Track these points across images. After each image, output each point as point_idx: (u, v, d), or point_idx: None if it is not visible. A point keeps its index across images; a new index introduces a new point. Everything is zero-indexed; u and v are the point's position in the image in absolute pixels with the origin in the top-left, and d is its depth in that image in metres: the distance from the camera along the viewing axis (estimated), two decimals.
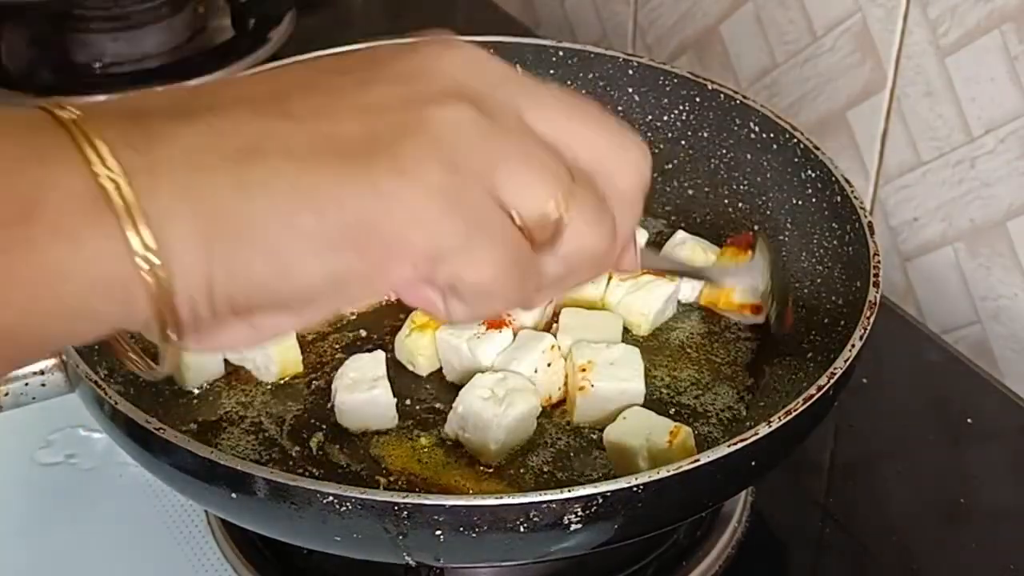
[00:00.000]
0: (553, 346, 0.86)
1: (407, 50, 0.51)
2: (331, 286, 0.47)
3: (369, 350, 0.88)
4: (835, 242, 0.92)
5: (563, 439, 0.84)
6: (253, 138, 0.46)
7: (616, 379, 0.84)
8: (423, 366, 0.88)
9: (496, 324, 0.86)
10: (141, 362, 0.51)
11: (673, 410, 0.86)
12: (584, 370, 0.84)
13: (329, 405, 0.85)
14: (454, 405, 0.83)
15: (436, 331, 0.87)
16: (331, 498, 0.66)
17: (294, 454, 0.82)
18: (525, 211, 0.49)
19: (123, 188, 0.43)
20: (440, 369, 0.89)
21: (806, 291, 0.94)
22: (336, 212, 0.45)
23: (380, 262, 0.47)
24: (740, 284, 0.90)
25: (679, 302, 0.95)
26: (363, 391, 0.83)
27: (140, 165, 0.44)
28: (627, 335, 0.91)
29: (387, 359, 0.86)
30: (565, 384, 0.86)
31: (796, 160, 0.96)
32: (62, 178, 0.43)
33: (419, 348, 0.87)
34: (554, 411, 0.86)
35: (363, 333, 0.92)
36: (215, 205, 0.44)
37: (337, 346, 0.91)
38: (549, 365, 0.86)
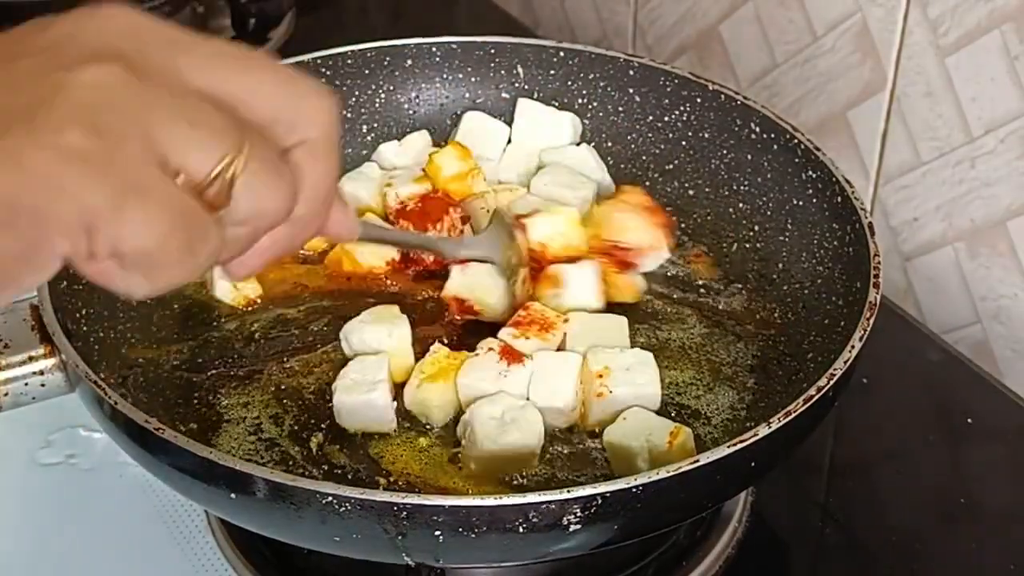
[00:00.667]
0: (583, 360, 0.86)
1: (57, 20, 0.49)
2: None
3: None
4: (835, 243, 0.92)
5: (563, 440, 0.84)
6: None
7: (633, 384, 0.83)
8: (437, 417, 0.84)
9: (516, 357, 0.85)
10: None
11: (673, 411, 0.86)
12: (601, 376, 0.83)
13: (329, 405, 0.85)
14: (468, 409, 0.82)
15: (456, 379, 0.84)
16: (330, 498, 0.66)
17: (294, 454, 0.82)
18: (191, 171, 0.47)
19: None
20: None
21: (806, 291, 0.94)
22: None
23: (33, 239, 0.45)
24: (474, 256, 0.90)
25: None
26: (362, 393, 0.82)
27: None
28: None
29: (389, 362, 0.86)
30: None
31: (797, 161, 0.96)
32: None
33: (432, 399, 0.84)
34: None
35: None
36: None
37: None
38: (582, 382, 0.85)
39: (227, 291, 0.94)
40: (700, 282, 0.98)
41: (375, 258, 0.96)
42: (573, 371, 0.84)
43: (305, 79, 0.52)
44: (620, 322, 0.89)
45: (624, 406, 0.82)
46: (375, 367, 0.84)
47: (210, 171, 0.47)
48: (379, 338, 0.87)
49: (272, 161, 0.50)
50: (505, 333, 0.87)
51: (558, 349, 0.87)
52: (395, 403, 0.84)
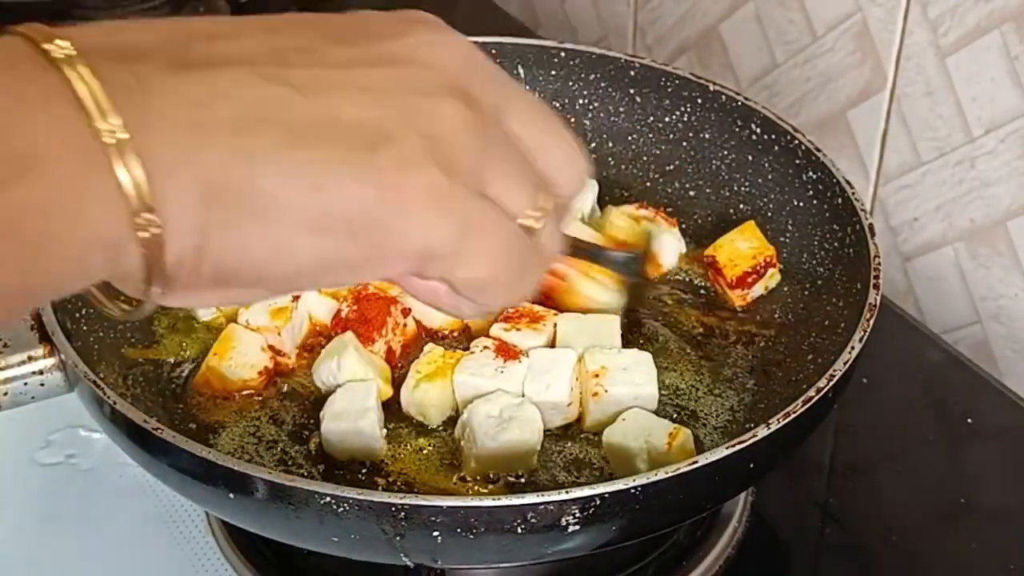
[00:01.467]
0: (580, 359, 0.86)
1: (402, 29, 0.50)
2: (318, 269, 0.47)
3: None
4: (835, 244, 0.92)
5: (561, 440, 0.84)
6: (255, 105, 0.44)
7: (631, 384, 0.83)
8: (434, 416, 0.84)
9: (511, 355, 0.85)
10: (115, 305, 0.49)
11: (673, 413, 0.86)
12: (597, 376, 0.83)
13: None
14: (465, 409, 0.82)
15: (453, 376, 0.84)
16: (329, 499, 0.66)
17: (293, 455, 0.82)
18: (508, 213, 0.50)
19: (124, 146, 0.41)
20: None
21: (806, 292, 0.94)
22: (337, 197, 0.45)
23: (372, 253, 0.47)
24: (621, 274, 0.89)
25: None
26: (349, 421, 0.81)
27: (139, 120, 0.42)
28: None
29: (378, 390, 0.84)
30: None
31: (797, 162, 0.96)
32: (59, 132, 0.41)
33: (429, 399, 0.84)
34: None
35: None
36: (216, 170, 0.43)
37: None
38: (578, 379, 0.85)
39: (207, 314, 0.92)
40: (699, 283, 0.98)
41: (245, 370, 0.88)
42: (568, 366, 0.84)
43: (579, 146, 0.55)
44: (611, 322, 0.89)
45: (621, 406, 0.82)
46: (363, 394, 0.82)
47: (520, 216, 0.51)
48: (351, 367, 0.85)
49: (561, 210, 0.54)
50: (497, 328, 0.87)
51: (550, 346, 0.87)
52: (383, 431, 0.83)
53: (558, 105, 1.10)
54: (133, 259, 0.43)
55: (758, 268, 0.94)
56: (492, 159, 0.49)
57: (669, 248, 0.98)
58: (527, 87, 1.10)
